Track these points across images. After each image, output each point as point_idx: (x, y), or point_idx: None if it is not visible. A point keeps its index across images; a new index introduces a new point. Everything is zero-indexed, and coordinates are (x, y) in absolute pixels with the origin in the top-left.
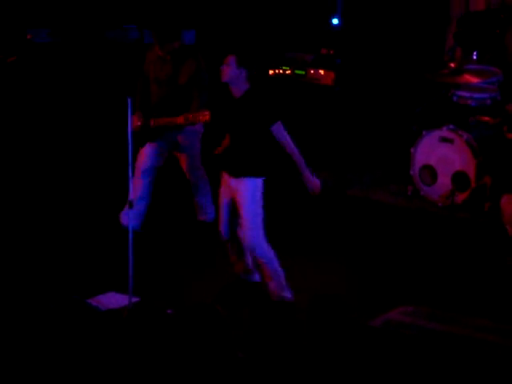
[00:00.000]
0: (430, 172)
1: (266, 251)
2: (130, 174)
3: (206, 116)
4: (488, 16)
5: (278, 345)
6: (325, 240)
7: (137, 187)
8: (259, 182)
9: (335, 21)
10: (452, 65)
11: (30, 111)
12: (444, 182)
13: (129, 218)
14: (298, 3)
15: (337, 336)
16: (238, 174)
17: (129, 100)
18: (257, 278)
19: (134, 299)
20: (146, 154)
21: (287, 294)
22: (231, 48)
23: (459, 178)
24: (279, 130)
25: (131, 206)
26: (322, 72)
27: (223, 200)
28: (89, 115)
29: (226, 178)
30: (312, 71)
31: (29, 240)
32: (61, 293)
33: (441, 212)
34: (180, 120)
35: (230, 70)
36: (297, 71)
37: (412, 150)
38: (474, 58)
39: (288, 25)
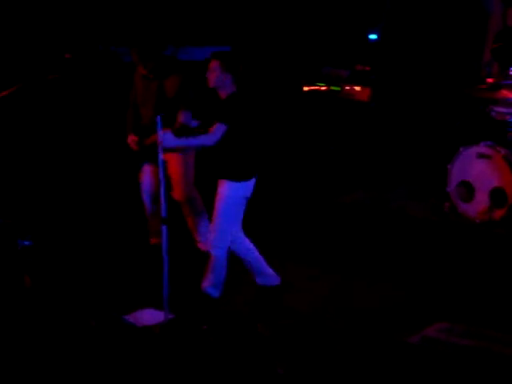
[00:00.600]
0: (467, 188)
1: (223, 252)
2: (163, 191)
3: None
4: None
5: (316, 360)
6: (362, 255)
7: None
8: (237, 185)
9: (373, 36)
10: (489, 80)
11: (71, 127)
12: (482, 198)
13: (163, 234)
14: (334, 19)
15: (374, 352)
16: (219, 175)
17: (158, 118)
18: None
19: (170, 316)
20: (145, 175)
21: (214, 292)
22: (215, 54)
23: (497, 195)
24: (217, 129)
25: (165, 222)
26: (357, 88)
27: None
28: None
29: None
30: (347, 87)
31: (68, 257)
32: (98, 309)
33: (478, 228)
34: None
35: (216, 76)
36: (332, 87)
37: (449, 166)
38: None
39: (324, 40)
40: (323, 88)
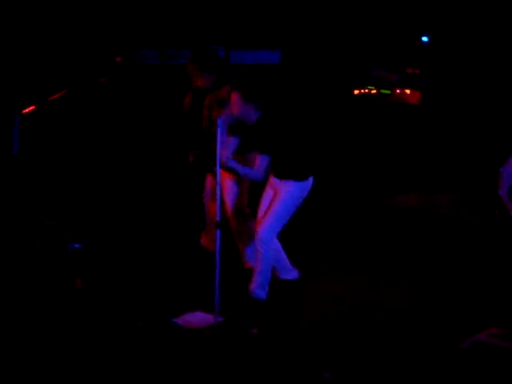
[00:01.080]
0: None
1: (270, 247)
2: (219, 195)
3: None
4: None
5: (365, 365)
6: (412, 259)
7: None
8: (301, 185)
9: (425, 38)
10: None
11: (122, 129)
12: None
13: (216, 238)
14: (384, 22)
15: (427, 357)
16: (282, 175)
17: (219, 120)
18: (294, 274)
19: (219, 319)
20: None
21: (261, 294)
22: (234, 86)
23: None
24: (261, 163)
25: (219, 226)
26: (408, 91)
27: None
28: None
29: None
30: (398, 91)
31: (119, 259)
32: (148, 311)
33: None
34: None
35: (238, 108)
36: (382, 91)
37: (501, 169)
38: None
39: (374, 43)
40: (373, 91)
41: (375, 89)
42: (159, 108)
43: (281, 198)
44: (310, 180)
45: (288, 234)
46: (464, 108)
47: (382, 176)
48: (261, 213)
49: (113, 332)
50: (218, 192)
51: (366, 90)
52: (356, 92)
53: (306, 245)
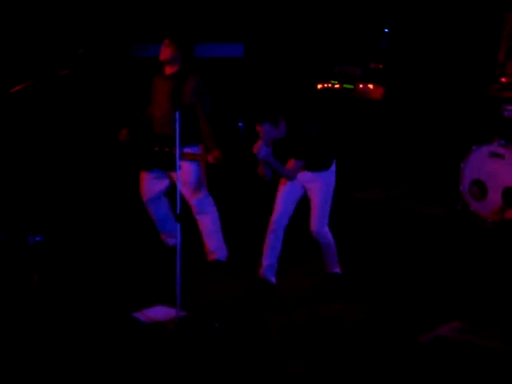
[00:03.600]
0: (479, 187)
1: (328, 236)
2: (179, 188)
3: (215, 159)
4: None
5: (325, 359)
6: (373, 252)
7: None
8: (331, 171)
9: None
10: (503, 80)
11: (81, 123)
12: (494, 197)
13: (176, 232)
14: (347, 17)
15: (386, 351)
16: (311, 169)
17: (177, 113)
18: (274, 280)
19: (182, 313)
20: (146, 181)
21: (337, 270)
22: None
23: (509, 194)
24: (296, 167)
25: (179, 220)
26: (371, 86)
27: (287, 192)
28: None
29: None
30: (361, 85)
31: (78, 253)
32: (107, 306)
33: (490, 227)
34: (188, 157)
35: (271, 136)
36: (345, 85)
37: (462, 164)
38: None
39: (338, 38)
40: (336, 86)
41: (338, 83)
42: (123, 101)
43: (323, 191)
44: (334, 163)
45: (255, 227)
46: (426, 103)
47: (344, 170)
48: (283, 207)
49: (71, 327)
50: (179, 185)
51: (329, 85)
52: (319, 86)
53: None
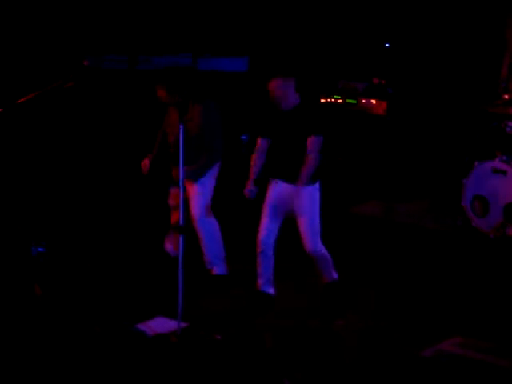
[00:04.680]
0: (481, 203)
1: (323, 250)
2: (182, 199)
3: None
4: None
5: (327, 373)
6: (373, 267)
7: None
8: (317, 186)
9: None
10: (506, 96)
11: (86, 134)
12: (496, 213)
13: (180, 243)
14: (351, 32)
15: (388, 366)
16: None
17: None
18: (272, 291)
19: (183, 324)
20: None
21: (335, 276)
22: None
23: (511, 210)
24: (317, 142)
25: (182, 232)
26: (373, 101)
27: (272, 208)
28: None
29: (280, 186)
30: (364, 100)
31: (83, 264)
32: (109, 318)
33: (492, 244)
34: None
35: (281, 90)
36: (348, 100)
37: (464, 180)
38: None
39: (341, 53)
40: (339, 100)
41: (341, 98)
42: (127, 113)
43: (307, 207)
44: (318, 182)
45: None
46: (429, 119)
47: (346, 184)
48: (267, 226)
49: (73, 338)
50: (181, 197)
51: (332, 100)
52: (322, 101)
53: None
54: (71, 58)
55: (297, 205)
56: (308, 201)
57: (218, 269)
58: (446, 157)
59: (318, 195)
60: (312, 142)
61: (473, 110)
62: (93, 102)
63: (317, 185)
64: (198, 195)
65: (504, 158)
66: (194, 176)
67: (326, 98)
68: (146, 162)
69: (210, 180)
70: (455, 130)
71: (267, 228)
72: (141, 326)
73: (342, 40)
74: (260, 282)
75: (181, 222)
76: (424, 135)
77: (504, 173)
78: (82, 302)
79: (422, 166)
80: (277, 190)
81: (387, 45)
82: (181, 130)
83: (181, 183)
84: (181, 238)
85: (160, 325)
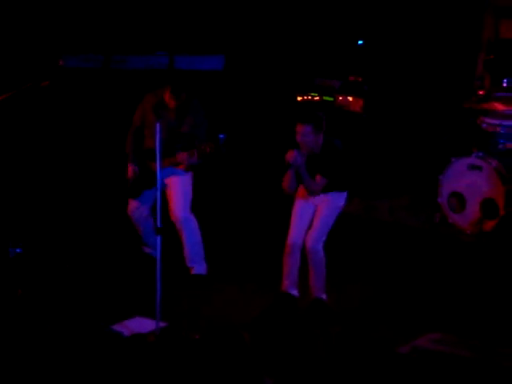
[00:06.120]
0: (458, 199)
1: (321, 253)
2: (159, 202)
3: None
4: None
5: (304, 370)
6: (352, 264)
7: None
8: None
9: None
10: (481, 92)
11: (62, 134)
12: (473, 209)
13: (157, 244)
14: (326, 30)
15: (364, 362)
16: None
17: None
18: (296, 293)
19: (162, 324)
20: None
21: (323, 296)
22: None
23: (488, 206)
24: (321, 183)
25: (160, 232)
26: (350, 99)
27: (300, 212)
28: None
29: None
30: (340, 98)
31: (57, 266)
32: (86, 318)
33: (469, 239)
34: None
35: (311, 139)
36: (325, 97)
37: (440, 177)
38: (505, 85)
39: (318, 51)
40: (316, 98)
41: (318, 96)
42: (102, 113)
43: (329, 209)
44: (347, 192)
45: (236, 237)
46: (406, 116)
47: None
48: (297, 228)
49: (50, 338)
50: (158, 198)
51: (309, 97)
52: (299, 98)
53: (253, 252)
54: (47, 58)
55: (320, 204)
56: (331, 203)
57: (198, 268)
58: (424, 153)
59: (342, 203)
60: (320, 181)
61: (449, 106)
62: (69, 101)
63: (344, 194)
64: (181, 194)
65: (480, 154)
66: (191, 161)
67: (302, 96)
68: (133, 167)
69: (191, 180)
70: (432, 126)
71: (296, 233)
72: (118, 327)
73: (317, 38)
74: (286, 283)
75: (158, 224)
76: (401, 132)
77: (480, 168)
78: (60, 303)
79: (401, 163)
80: (304, 193)
81: (360, 42)
82: (157, 129)
83: (158, 184)
84: (158, 239)
85: (138, 325)
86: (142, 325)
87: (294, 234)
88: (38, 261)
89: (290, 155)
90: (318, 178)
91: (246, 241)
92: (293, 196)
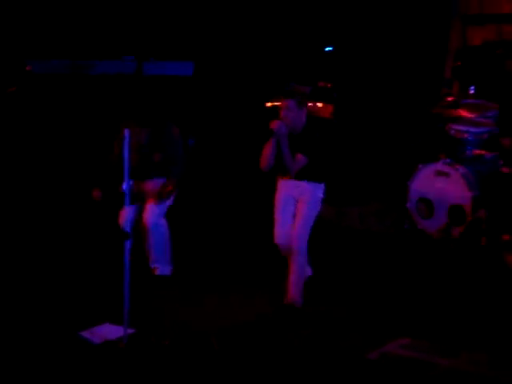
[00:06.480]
0: (426, 205)
1: (305, 256)
2: (128, 203)
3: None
4: (485, 50)
5: (274, 375)
6: (321, 271)
7: None
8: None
9: (329, 48)
10: (449, 98)
11: (29, 141)
12: (440, 215)
13: (125, 248)
14: (296, 36)
15: (334, 368)
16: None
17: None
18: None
19: (130, 330)
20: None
21: (299, 302)
22: (290, 93)
23: (455, 212)
24: (301, 161)
25: (128, 237)
26: (320, 105)
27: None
28: (87, 146)
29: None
30: (310, 104)
31: (24, 273)
32: (54, 325)
33: (437, 245)
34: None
35: (293, 114)
36: None
37: (409, 183)
38: (472, 92)
39: (287, 57)
40: None
41: None
42: (69, 119)
43: (309, 204)
44: (324, 185)
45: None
46: (375, 122)
47: None
48: (284, 225)
49: (17, 347)
50: (127, 200)
51: (279, 103)
52: (269, 104)
53: (224, 256)
54: (13, 64)
55: (301, 200)
56: (311, 198)
57: (162, 269)
58: (393, 159)
59: (321, 196)
60: (300, 159)
61: (417, 112)
62: (36, 107)
63: (322, 185)
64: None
65: (447, 160)
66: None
67: (272, 102)
68: (97, 193)
69: None
70: (401, 132)
71: (280, 229)
72: (87, 333)
73: (286, 44)
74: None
75: (127, 229)
76: (370, 138)
77: (447, 175)
78: (27, 309)
79: (370, 169)
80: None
81: (329, 48)
82: (126, 139)
83: (126, 185)
84: (126, 244)
85: (107, 331)
86: (110, 331)
87: (279, 232)
88: (3, 264)
89: (275, 123)
90: (299, 155)
91: (210, 240)
92: (272, 180)
